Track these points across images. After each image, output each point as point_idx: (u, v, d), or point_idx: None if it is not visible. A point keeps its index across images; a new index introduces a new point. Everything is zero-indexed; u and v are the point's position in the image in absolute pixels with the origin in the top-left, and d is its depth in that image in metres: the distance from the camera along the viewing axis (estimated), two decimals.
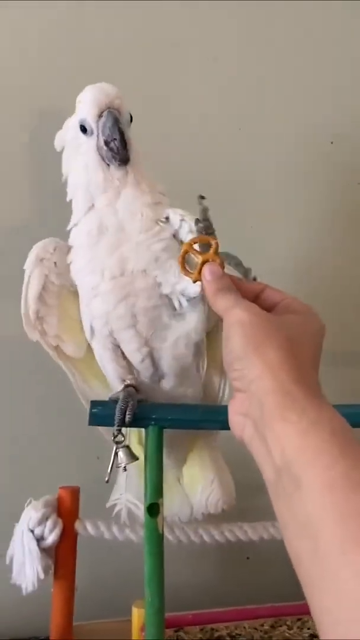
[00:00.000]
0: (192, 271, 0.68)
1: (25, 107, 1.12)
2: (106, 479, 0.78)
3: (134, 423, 0.79)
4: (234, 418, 0.60)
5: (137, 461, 0.83)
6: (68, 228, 0.80)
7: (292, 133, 1.22)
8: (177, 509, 0.88)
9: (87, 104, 0.72)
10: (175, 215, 0.77)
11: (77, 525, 0.89)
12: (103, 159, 0.74)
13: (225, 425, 0.83)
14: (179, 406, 0.83)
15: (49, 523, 0.86)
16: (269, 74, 1.22)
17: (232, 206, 1.12)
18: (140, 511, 0.85)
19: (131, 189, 0.75)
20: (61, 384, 1.07)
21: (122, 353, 0.80)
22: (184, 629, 0.94)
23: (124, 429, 0.77)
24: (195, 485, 0.87)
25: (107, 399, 0.80)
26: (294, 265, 1.21)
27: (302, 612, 0.99)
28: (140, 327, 0.77)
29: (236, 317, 0.58)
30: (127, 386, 0.80)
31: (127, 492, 0.87)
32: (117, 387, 0.81)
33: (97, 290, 0.76)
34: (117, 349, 0.79)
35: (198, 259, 0.67)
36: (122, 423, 0.75)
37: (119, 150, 0.71)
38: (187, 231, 0.77)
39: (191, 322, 0.79)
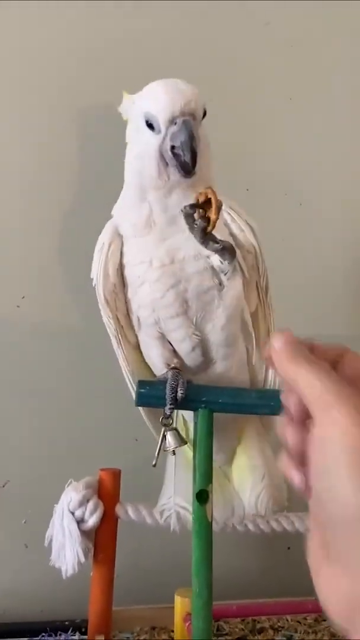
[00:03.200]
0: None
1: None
2: (153, 462, 0.75)
3: (184, 405, 0.75)
4: (330, 592, 0.37)
5: (186, 460, 0.81)
6: (113, 212, 0.77)
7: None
8: (228, 511, 0.82)
9: (160, 102, 0.66)
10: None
11: (118, 509, 0.85)
12: (163, 158, 0.68)
13: (277, 411, 0.80)
14: (231, 389, 0.78)
15: (89, 505, 0.83)
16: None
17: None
18: (192, 518, 0.78)
19: (184, 189, 0.70)
20: (102, 366, 1.05)
21: (169, 343, 0.76)
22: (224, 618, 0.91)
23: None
24: (245, 483, 0.82)
25: None
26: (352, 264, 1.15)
27: None
28: (191, 313, 0.74)
29: (340, 429, 0.36)
30: (173, 368, 0.76)
31: (176, 495, 0.81)
32: (162, 372, 0.77)
33: (143, 278, 0.73)
34: (164, 337, 0.76)
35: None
36: (175, 401, 0.71)
37: (186, 164, 0.66)
38: (231, 220, 0.74)
39: (234, 298, 0.75)
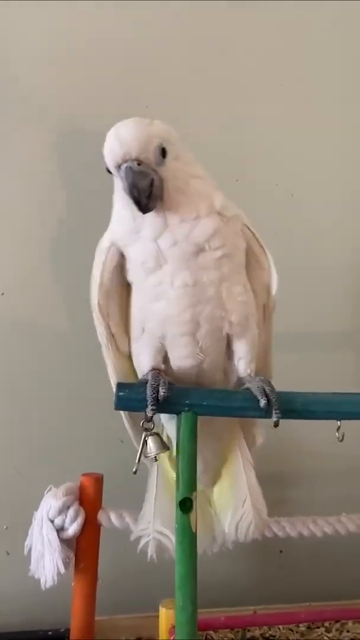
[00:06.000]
0: None
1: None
2: (134, 469, 0.71)
3: (166, 408, 0.70)
4: None
5: (167, 480, 0.77)
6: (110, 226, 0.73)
7: None
8: (209, 538, 0.78)
9: (106, 150, 0.68)
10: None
11: (101, 516, 0.82)
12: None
13: (264, 413, 0.76)
14: (217, 391, 0.74)
15: (70, 512, 0.79)
16: None
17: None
18: (172, 543, 0.74)
19: (178, 227, 0.69)
20: (84, 367, 1.01)
21: (165, 357, 0.74)
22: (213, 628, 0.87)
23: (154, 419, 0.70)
24: (226, 507, 0.79)
25: None
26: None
27: (341, 617, 0.91)
28: (200, 334, 0.72)
29: None
30: (153, 369, 0.73)
31: (156, 520, 0.76)
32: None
33: (161, 295, 0.71)
34: (162, 351, 0.73)
35: None
36: (156, 402, 0.68)
37: (139, 203, 0.67)
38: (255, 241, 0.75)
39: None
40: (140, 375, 0.75)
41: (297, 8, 1.10)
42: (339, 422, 0.76)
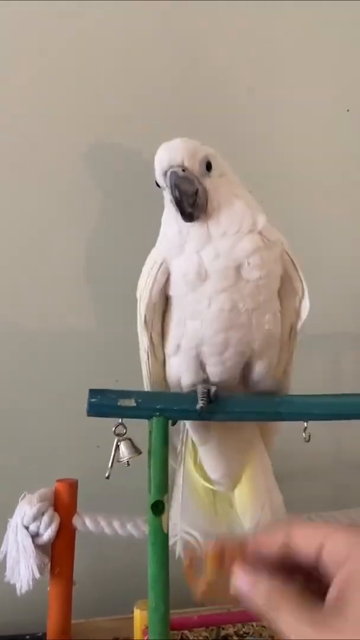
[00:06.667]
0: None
1: None
2: (106, 474, 0.72)
3: (136, 414, 0.72)
4: None
5: (192, 484, 0.80)
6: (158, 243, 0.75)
7: None
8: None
9: (155, 161, 0.72)
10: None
11: (75, 521, 0.83)
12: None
13: (239, 417, 0.78)
14: (188, 395, 0.76)
15: (44, 519, 0.80)
16: None
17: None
18: (198, 543, 0.77)
19: (220, 241, 0.70)
20: (58, 373, 1.02)
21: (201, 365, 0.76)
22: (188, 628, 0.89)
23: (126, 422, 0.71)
24: (246, 510, 0.81)
25: None
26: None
27: None
28: (225, 355, 0.74)
29: None
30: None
31: (183, 520, 0.79)
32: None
33: (197, 316, 0.73)
34: (199, 362, 0.75)
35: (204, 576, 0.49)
36: (208, 397, 0.72)
37: (183, 209, 0.69)
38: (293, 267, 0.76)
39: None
40: (172, 385, 0.78)
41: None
42: (305, 423, 0.79)
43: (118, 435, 0.73)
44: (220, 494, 0.82)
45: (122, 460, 0.73)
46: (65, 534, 0.82)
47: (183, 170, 0.69)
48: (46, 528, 0.80)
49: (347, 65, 1.19)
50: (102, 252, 1.09)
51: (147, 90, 1.08)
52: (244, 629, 0.93)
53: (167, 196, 0.72)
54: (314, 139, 1.17)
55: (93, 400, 0.72)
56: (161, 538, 0.70)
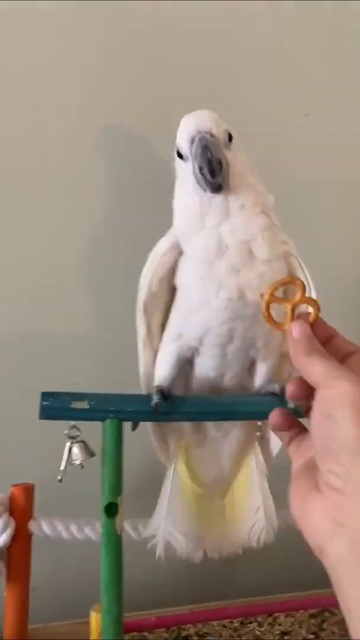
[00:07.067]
0: (280, 322, 0.58)
1: None
2: (59, 477, 0.72)
3: (89, 416, 0.72)
4: (315, 521, 0.48)
5: (182, 486, 0.80)
6: (175, 222, 0.74)
7: None
8: (221, 542, 0.81)
9: (180, 129, 0.71)
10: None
11: (32, 525, 0.82)
12: (197, 184, 0.70)
13: (190, 418, 0.79)
14: (142, 396, 0.76)
15: None
16: None
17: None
18: (181, 547, 0.78)
19: (238, 215, 0.70)
20: (11, 376, 1.01)
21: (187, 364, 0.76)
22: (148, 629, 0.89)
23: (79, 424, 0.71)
24: (240, 515, 0.81)
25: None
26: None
27: (273, 610, 0.94)
28: (229, 348, 0.74)
29: (346, 393, 0.48)
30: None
31: (167, 522, 0.78)
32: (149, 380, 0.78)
33: (205, 305, 0.72)
34: (185, 363, 0.76)
35: (286, 307, 0.58)
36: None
37: (209, 178, 0.68)
38: (299, 267, 0.74)
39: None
40: (156, 380, 0.77)
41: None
42: (259, 423, 0.80)
43: (71, 438, 0.73)
44: (209, 497, 0.82)
45: (75, 463, 0.73)
46: (21, 538, 0.81)
47: (211, 137, 0.68)
48: (1, 533, 0.79)
49: (306, 70, 1.21)
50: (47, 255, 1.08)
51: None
52: (204, 629, 0.93)
53: (187, 167, 0.70)
54: (272, 142, 1.18)
55: (45, 403, 0.72)
56: (114, 540, 0.70)
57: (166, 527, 0.78)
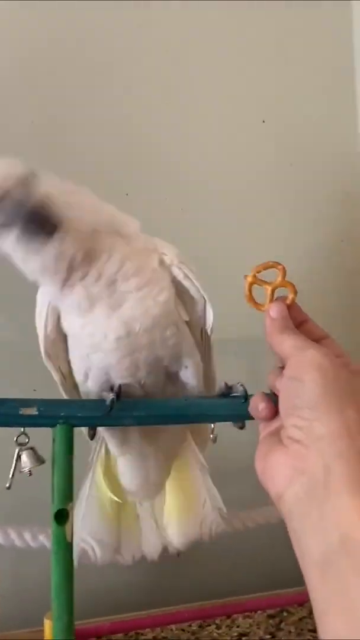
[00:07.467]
0: (260, 303, 0.61)
1: None
2: (7, 484, 0.71)
3: (39, 422, 0.72)
4: (276, 471, 0.51)
5: (98, 494, 0.79)
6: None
7: None
8: (150, 546, 0.81)
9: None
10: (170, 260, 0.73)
11: None
12: None
13: (147, 421, 0.79)
14: (91, 401, 0.76)
15: None
16: None
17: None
18: (97, 556, 0.78)
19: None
20: None
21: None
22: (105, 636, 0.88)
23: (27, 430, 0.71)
24: (184, 513, 0.81)
25: None
26: None
27: (231, 612, 0.95)
28: (140, 374, 0.74)
29: (314, 359, 0.52)
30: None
31: (83, 529, 0.78)
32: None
33: (97, 347, 0.71)
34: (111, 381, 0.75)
35: (266, 289, 0.61)
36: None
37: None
38: (183, 276, 0.73)
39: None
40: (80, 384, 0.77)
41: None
42: (212, 425, 0.80)
43: (20, 444, 0.72)
44: (127, 506, 0.82)
45: (23, 470, 0.72)
46: None
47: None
48: None
49: (263, 77, 1.23)
50: None
51: None
52: (162, 634, 0.93)
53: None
54: (229, 149, 1.19)
55: None
56: (64, 547, 0.69)
57: (82, 534, 0.78)
